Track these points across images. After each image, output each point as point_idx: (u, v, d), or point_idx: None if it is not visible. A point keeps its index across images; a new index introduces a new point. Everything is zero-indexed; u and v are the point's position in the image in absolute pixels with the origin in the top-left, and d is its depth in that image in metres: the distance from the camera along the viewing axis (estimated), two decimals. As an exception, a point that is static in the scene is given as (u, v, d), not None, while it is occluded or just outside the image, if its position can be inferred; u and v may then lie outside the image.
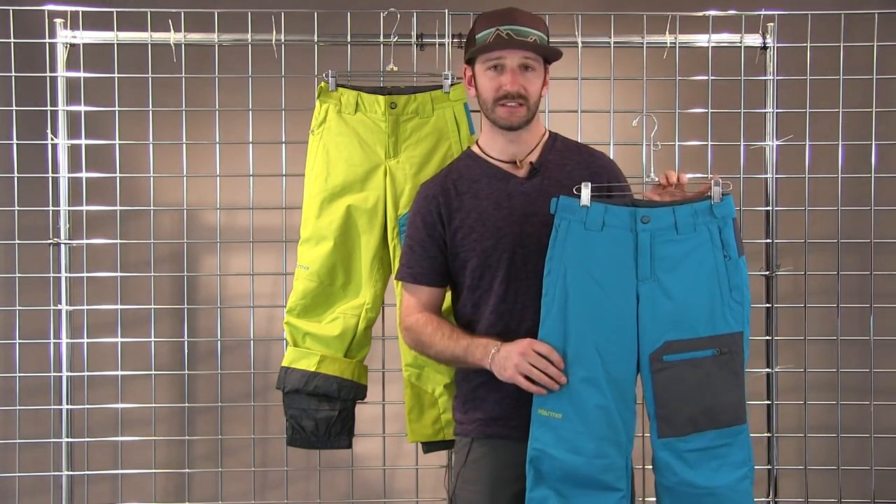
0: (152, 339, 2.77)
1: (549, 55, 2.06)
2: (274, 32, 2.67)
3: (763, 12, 2.70)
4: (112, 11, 2.66)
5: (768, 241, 2.75)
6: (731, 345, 1.87)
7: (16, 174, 2.74)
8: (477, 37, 2.03)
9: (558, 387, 1.88)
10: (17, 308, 2.76)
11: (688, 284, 1.86)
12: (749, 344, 1.91)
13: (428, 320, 2.07)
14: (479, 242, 2.03)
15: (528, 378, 1.89)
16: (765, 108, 2.75)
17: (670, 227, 1.87)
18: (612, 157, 2.65)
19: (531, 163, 2.07)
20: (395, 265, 2.42)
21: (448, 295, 2.18)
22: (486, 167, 2.09)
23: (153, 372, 2.78)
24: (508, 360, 1.91)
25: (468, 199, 2.06)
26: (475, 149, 2.15)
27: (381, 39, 2.64)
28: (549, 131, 2.16)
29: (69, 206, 2.71)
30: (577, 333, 1.88)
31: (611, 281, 1.87)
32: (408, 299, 2.13)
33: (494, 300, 2.03)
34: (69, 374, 2.72)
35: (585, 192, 1.88)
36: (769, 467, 2.77)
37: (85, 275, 2.74)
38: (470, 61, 2.09)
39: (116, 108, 2.72)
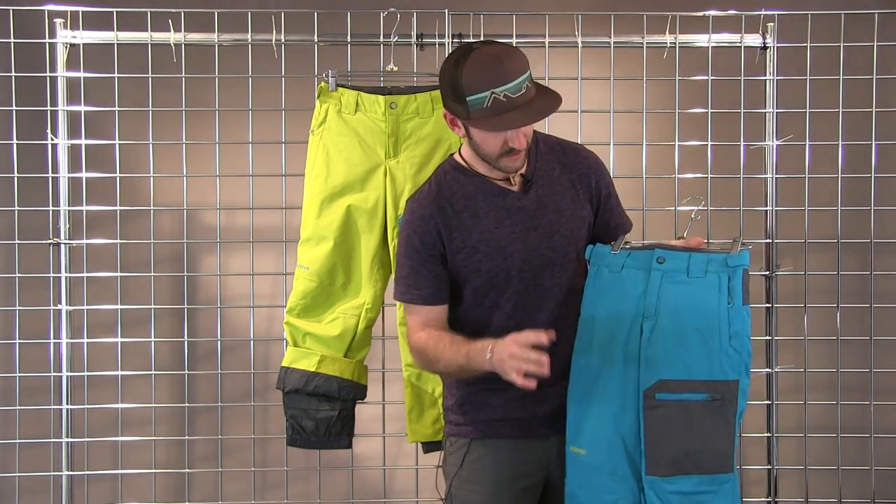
0: (152, 339, 2.77)
1: (551, 112, 1.95)
2: (274, 32, 2.67)
3: (763, 12, 2.70)
4: (112, 11, 2.66)
5: (768, 241, 2.75)
6: (724, 392, 1.84)
7: (16, 174, 2.74)
8: (469, 99, 1.86)
9: (546, 371, 1.79)
10: (17, 308, 2.76)
11: (688, 326, 1.85)
12: (747, 394, 1.87)
13: (428, 335, 2.01)
14: (483, 263, 1.99)
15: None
16: (765, 108, 2.74)
17: (683, 270, 1.88)
18: (611, 157, 2.68)
19: (522, 175, 2.03)
20: (396, 266, 2.42)
21: None
22: (480, 183, 2.02)
23: (153, 372, 2.78)
24: (504, 363, 1.84)
25: (467, 217, 2.00)
26: (460, 160, 2.06)
27: (381, 39, 2.64)
28: None
29: (69, 206, 2.71)
30: (595, 367, 1.91)
31: (622, 318, 1.89)
32: (414, 320, 2.05)
33: (501, 317, 2.01)
34: (69, 374, 2.72)
35: (618, 243, 1.97)
36: (769, 467, 2.77)
37: (85, 275, 2.74)
38: None
39: (116, 108, 2.72)
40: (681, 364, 1.85)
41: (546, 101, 1.93)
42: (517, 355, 1.80)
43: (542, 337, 1.81)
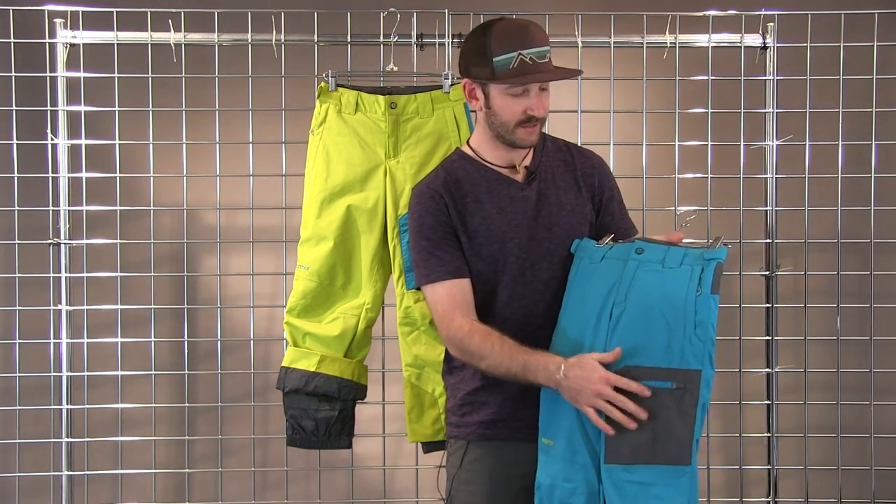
0: (152, 339, 2.77)
1: (574, 77, 2.04)
2: (274, 32, 2.67)
3: (763, 12, 2.70)
4: (112, 11, 2.66)
5: (768, 241, 2.75)
6: (686, 381, 1.81)
7: (16, 174, 2.74)
8: (496, 60, 1.94)
9: (634, 425, 1.82)
10: (17, 308, 2.76)
11: (655, 313, 1.84)
12: (711, 385, 1.84)
13: (471, 327, 1.96)
14: (484, 247, 2.01)
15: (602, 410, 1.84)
16: (765, 108, 2.75)
17: (659, 260, 1.89)
18: (612, 157, 2.68)
19: (526, 167, 2.06)
20: (396, 265, 2.42)
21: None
22: (485, 171, 2.06)
23: (153, 372, 2.78)
24: (584, 395, 1.83)
25: (471, 202, 2.03)
26: (467, 150, 2.10)
27: (381, 39, 2.64)
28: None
29: (69, 206, 2.71)
30: (566, 353, 1.90)
31: (594, 303, 1.90)
32: (444, 301, 2.00)
33: (498, 305, 2.01)
34: (69, 374, 2.72)
35: (606, 239, 2.00)
36: (769, 467, 2.77)
37: (85, 275, 2.74)
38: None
39: (116, 108, 2.72)
40: (645, 351, 1.84)
41: (568, 71, 2.02)
42: (606, 395, 1.81)
43: (646, 391, 1.81)
